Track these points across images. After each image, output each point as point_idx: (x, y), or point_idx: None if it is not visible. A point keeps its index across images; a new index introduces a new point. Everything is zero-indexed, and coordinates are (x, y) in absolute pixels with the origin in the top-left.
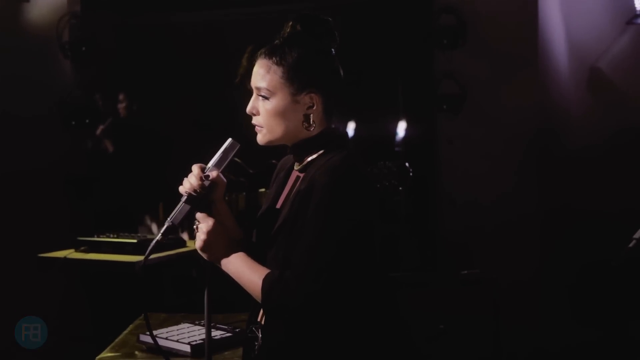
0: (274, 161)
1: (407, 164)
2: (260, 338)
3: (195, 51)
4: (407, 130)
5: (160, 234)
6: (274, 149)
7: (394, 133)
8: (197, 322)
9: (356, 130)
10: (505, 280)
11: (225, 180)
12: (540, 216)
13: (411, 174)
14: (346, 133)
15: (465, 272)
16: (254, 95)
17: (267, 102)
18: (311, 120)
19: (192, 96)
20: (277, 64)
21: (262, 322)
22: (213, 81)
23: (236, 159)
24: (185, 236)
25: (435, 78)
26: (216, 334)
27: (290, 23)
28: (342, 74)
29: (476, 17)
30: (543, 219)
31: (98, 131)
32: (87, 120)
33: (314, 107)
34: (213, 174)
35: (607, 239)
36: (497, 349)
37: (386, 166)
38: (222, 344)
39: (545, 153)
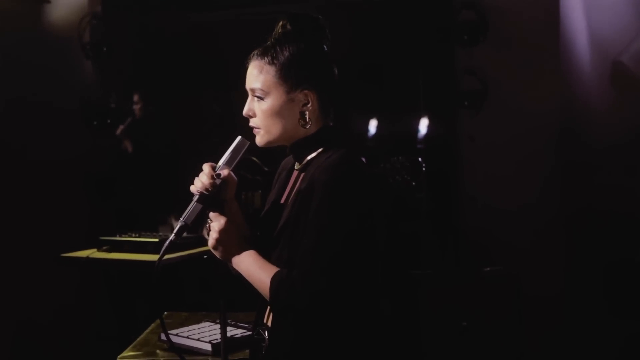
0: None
1: (419, 159)
2: (267, 340)
3: (213, 51)
4: (429, 127)
5: (173, 234)
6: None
7: (416, 130)
8: (218, 321)
9: (377, 127)
10: (528, 277)
11: (236, 178)
12: (563, 212)
13: (424, 168)
14: (344, 130)
15: (488, 269)
16: (249, 97)
17: (262, 102)
18: (307, 117)
19: (209, 96)
20: (270, 63)
21: (269, 324)
22: (229, 81)
23: (253, 158)
24: (206, 234)
25: (456, 74)
26: (237, 332)
27: (281, 23)
28: (335, 71)
29: (497, 12)
30: (566, 215)
31: (118, 131)
32: (108, 120)
33: (309, 105)
34: (224, 172)
35: (632, 237)
36: (520, 346)
37: (399, 161)
38: (244, 342)
39: (568, 149)
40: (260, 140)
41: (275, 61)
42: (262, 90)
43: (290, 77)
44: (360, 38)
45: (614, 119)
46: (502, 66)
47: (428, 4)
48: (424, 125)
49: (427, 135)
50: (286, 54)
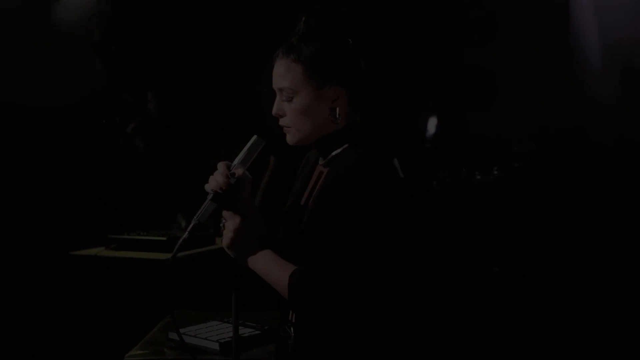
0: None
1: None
2: (293, 336)
3: (226, 49)
4: (437, 126)
5: (187, 232)
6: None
7: (424, 129)
8: (225, 320)
9: (386, 126)
10: (537, 278)
11: (251, 177)
12: (573, 213)
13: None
14: (371, 127)
15: (497, 269)
16: (278, 97)
17: (292, 101)
18: (337, 113)
19: (222, 94)
20: (296, 61)
21: (294, 320)
22: (243, 79)
23: None
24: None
25: (465, 73)
26: (244, 331)
27: (303, 19)
28: (363, 64)
29: (506, 11)
30: (576, 216)
31: (129, 129)
32: (117, 118)
33: (339, 100)
34: (239, 171)
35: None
36: (527, 346)
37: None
38: (251, 341)
39: (578, 150)
40: (291, 139)
41: (301, 58)
42: (291, 89)
43: (318, 74)
44: (362, 32)
45: (625, 119)
46: (511, 65)
47: (437, 2)
48: (432, 124)
49: (435, 134)
50: (311, 50)
